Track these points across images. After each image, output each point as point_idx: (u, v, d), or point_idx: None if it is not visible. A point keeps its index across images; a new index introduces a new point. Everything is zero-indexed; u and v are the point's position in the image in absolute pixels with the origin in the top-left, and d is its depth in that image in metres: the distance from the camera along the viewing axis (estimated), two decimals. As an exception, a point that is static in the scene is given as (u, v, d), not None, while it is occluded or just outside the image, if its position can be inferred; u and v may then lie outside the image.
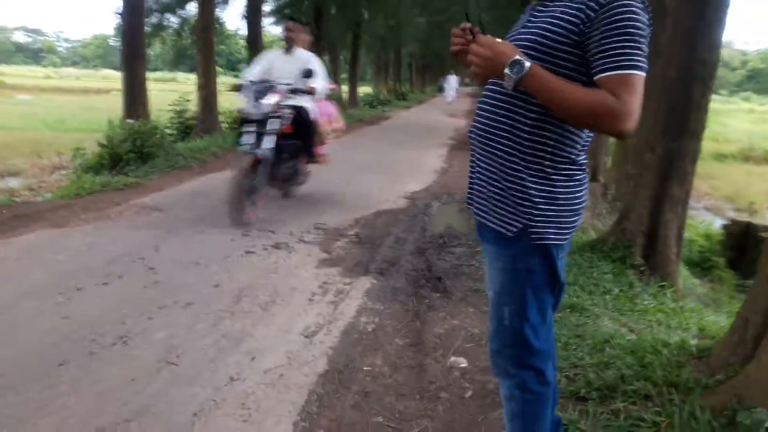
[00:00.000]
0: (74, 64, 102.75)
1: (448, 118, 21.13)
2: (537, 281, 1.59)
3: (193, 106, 11.69)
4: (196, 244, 4.48)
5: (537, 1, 1.58)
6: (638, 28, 1.34)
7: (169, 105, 11.44)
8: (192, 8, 13.98)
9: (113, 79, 70.80)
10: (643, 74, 1.34)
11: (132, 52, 8.83)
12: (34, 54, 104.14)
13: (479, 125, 1.65)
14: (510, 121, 1.54)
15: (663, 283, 3.85)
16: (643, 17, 1.36)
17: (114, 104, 31.06)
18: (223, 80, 14.25)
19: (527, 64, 1.37)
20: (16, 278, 3.57)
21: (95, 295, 3.37)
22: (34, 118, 22.96)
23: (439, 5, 30.75)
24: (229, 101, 12.55)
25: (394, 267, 4.22)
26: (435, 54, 44.97)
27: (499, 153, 1.56)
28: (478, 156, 1.66)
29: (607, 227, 5.19)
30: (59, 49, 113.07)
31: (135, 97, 8.84)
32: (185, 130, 11.15)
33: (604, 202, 5.96)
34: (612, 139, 11.43)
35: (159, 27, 13.48)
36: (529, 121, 1.50)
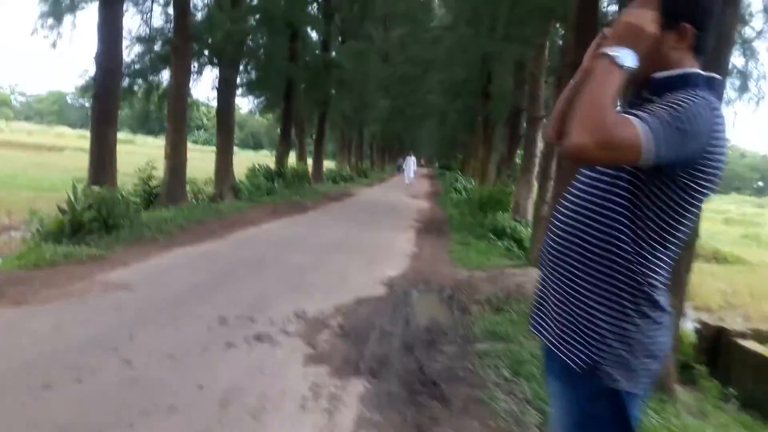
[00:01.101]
0: (28, 119, 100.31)
1: (410, 199, 21.36)
2: (605, 431, 1.43)
3: (159, 173, 11.41)
4: (171, 332, 4.15)
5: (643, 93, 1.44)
6: (683, 115, 1.23)
7: (136, 171, 11.13)
8: (165, 75, 13.95)
9: (68, 136, 69.32)
10: (645, 145, 1.20)
11: (104, 116, 8.61)
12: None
13: (552, 242, 1.53)
14: (584, 243, 1.42)
15: (663, 397, 3.76)
16: (701, 113, 1.25)
17: (68, 163, 30.32)
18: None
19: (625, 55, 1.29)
20: (-28, 370, 3.18)
21: (67, 394, 3.01)
22: (-18, 173, 21.98)
23: (401, 90, 32.15)
24: (201, 171, 12.37)
25: (385, 367, 3.99)
26: (395, 135, 46.31)
27: (571, 275, 1.44)
28: (549, 275, 1.53)
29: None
30: (13, 102, 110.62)
31: (103, 162, 8.54)
32: (150, 198, 10.80)
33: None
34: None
35: (129, 91, 13.31)
36: (605, 244, 1.38)
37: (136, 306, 4.74)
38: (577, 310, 1.42)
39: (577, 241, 1.44)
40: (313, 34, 20.50)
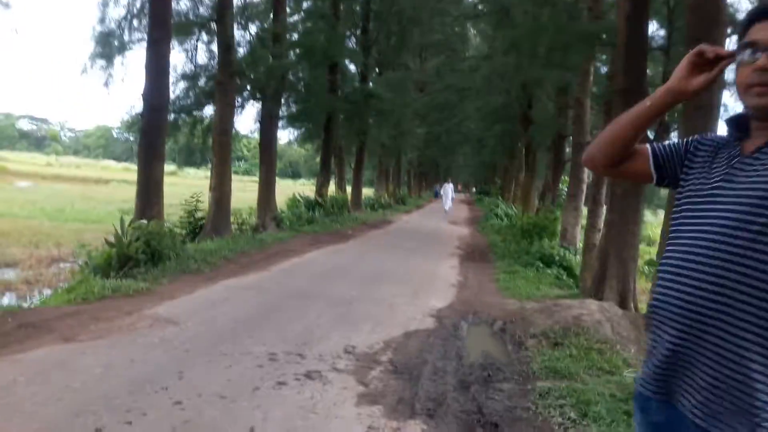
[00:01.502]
0: (76, 153, 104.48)
1: (450, 225, 21.13)
2: None
3: (203, 205, 11.54)
4: (221, 371, 4.05)
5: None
6: None
7: (181, 203, 11.28)
8: (208, 109, 14.24)
9: (113, 169, 71.76)
10: None
11: (151, 151, 8.76)
12: (37, 141, 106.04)
13: (685, 295, 1.26)
14: (743, 298, 1.17)
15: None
16: None
17: (112, 195, 31.18)
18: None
19: None
20: (28, 411, 3.12)
21: (118, 438, 2.91)
22: (34, 206, 22.76)
23: (437, 118, 32.22)
24: (242, 201, 12.48)
25: (441, 407, 3.79)
26: (431, 161, 46.27)
27: (728, 335, 1.19)
28: (689, 335, 1.26)
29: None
30: (63, 138, 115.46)
31: (150, 197, 8.65)
32: (195, 230, 10.90)
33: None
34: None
35: (174, 126, 13.60)
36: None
37: (185, 342, 4.67)
38: (736, 379, 1.19)
39: (734, 295, 1.20)
40: (351, 66, 20.73)
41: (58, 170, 57.33)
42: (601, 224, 10.08)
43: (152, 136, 8.67)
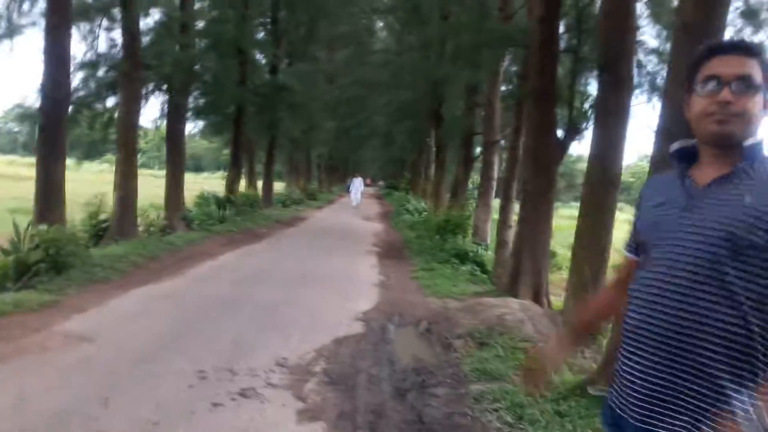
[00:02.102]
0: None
1: (363, 221, 21.20)
2: None
3: (106, 206, 10.84)
4: (150, 393, 3.82)
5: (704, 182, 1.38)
6: None
7: (81, 203, 10.53)
8: (108, 101, 13.35)
9: (-5, 162, 65.55)
10: None
11: (51, 149, 8.07)
12: None
13: (657, 317, 1.33)
14: (717, 322, 1.26)
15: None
16: None
17: (0, 193, 28.50)
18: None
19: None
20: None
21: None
22: None
23: (347, 111, 32.26)
24: (143, 198, 11.81)
25: (382, 419, 3.79)
26: (340, 155, 46.24)
27: (704, 359, 1.27)
28: (656, 358, 1.33)
29: (581, 363, 5.11)
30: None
31: (50, 199, 7.98)
32: (99, 233, 10.22)
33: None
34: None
35: (71, 119, 12.63)
36: (742, 321, 1.24)
37: (105, 362, 4.36)
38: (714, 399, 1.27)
39: (706, 321, 1.28)
40: (261, 58, 20.22)
41: (-74, 162, 51.68)
42: (512, 221, 10.55)
43: (52, 133, 7.99)
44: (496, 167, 12.24)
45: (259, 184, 22.79)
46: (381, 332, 6.01)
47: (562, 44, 8.71)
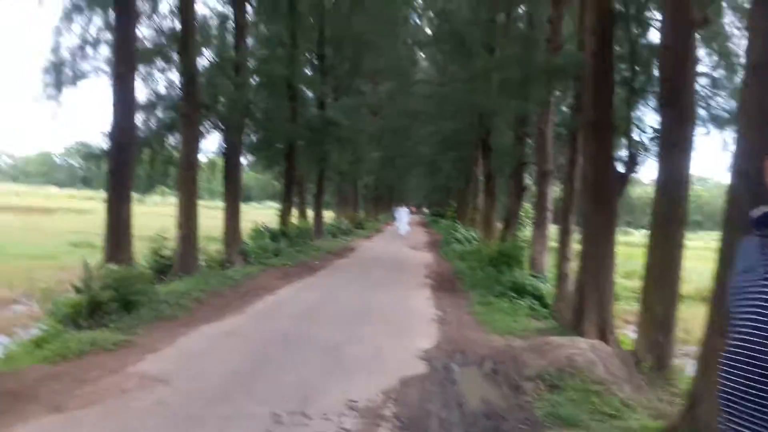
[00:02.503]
0: (15, 180, 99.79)
1: (411, 250, 21.18)
2: None
3: (169, 242, 11.19)
4: (229, 439, 3.86)
5: None
6: None
7: (145, 237, 10.88)
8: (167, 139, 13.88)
9: (57, 197, 68.86)
10: None
11: (119, 191, 8.41)
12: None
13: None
14: None
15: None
16: None
17: (59, 226, 29.81)
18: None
19: None
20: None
21: None
22: (-24, 241, 21.48)
23: (391, 141, 32.59)
24: (203, 231, 12.10)
25: (461, 467, 3.73)
26: (386, 184, 46.55)
27: None
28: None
29: (657, 405, 4.91)
30: (1, 165, 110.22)
31: (119, 240, 8.29)
32: (162, 269, 10.53)
33: (639, 374, 5.74)
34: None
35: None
36: None
37: (180, 405, 4.44)
38: None
39: None
40: (309, 93, 20.69)
41: (-3, 199, 54.62)
42: (571, 253, 10.33)
43: (120, 176, 8.34)
44: (550, 198, 12.06)
45: (309, 213, 23.15)
46: (445, 372, 5.93)
47: (616, 75, 8.59)
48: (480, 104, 15.21)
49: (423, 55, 36.36)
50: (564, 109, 15.17)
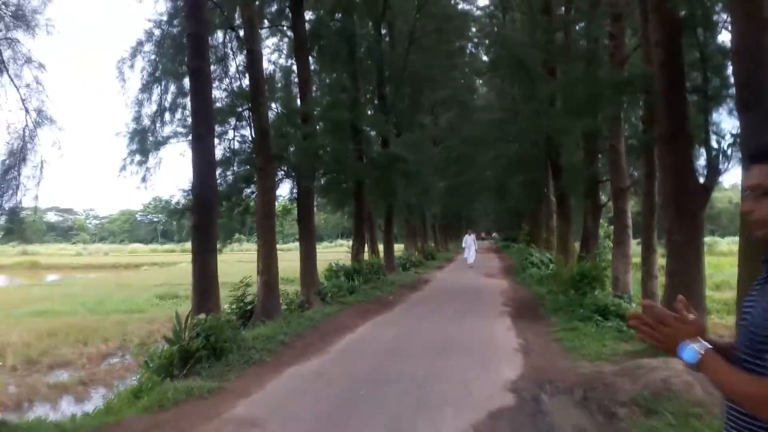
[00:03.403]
0: (102, 239, 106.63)
1: (486, 278, 20.94)
2: None
3: (251, 288, 11.65)
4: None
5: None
6: None
7: (228, 284, 11.38)
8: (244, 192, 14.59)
9: (141, 252, 72.95)
10: None
11: (205, 245, 8.87)
12: (64, 232, 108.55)
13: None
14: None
15: None
16: None
17: (145, 280, 31.50)
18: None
19: (700, 352, 1.38)
20: None
21: None
22: (73, 300, 23.06)
23: (456, 170, 32.59)
24: (284, 275, 12.51)
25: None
26: (453, 213, 46.40)
27: None
28: None
29: None
30: (88, 225, 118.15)
31: (207, 290, 8.71)
32: (245, 314, 10.94)
33: None
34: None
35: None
36: None
37: (277, 448, 4.60)
38: None
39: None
40: (372, 132, 21.18)
41: (87, 259, 58.55)
42: (656, 271, 9.96)
43: (204, 231, 8.81)
44: (629, 214, 11.71)
45: (380, 248, 23.40)
46: (535, 403, 5.82)
47: (688, 83, 8.36)
48: (545, 126, 15.07)
49: (481, 82, 36.56)
50: (635, 121, 14.83)
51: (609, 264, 14.02)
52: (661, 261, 9.90)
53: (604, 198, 17.17)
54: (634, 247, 14.61)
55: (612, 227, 16.67)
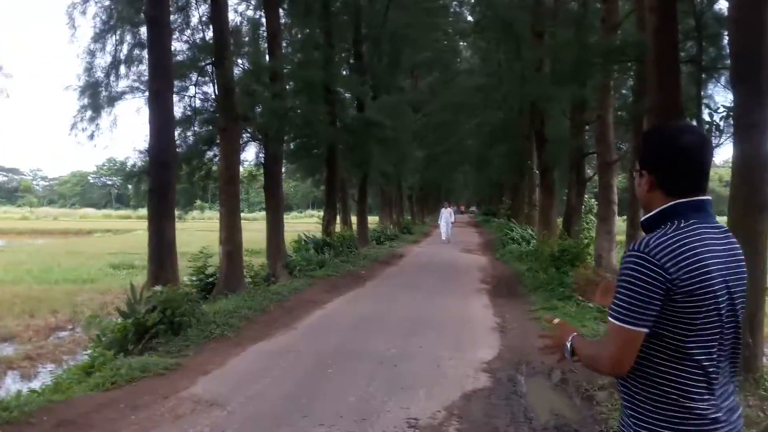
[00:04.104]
0: (51, 203, 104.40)
1: (464, 254, 21.13)
2: None
3: (212, 259, 11.54)
4: (289, 463, 3.98)
5: None
6: (626, 281, 1.61)
7: (187, 255, 11.26)
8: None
9: (93, 218, 71.73)
10: (625, 326, 1.59)
11: (162, 211, 8.73)
12: (9, 194, 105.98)
13: None
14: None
15: None
16: (640, 271, 1.59)
17: (98, 247, 30.99)
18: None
19: (568, 344, 1.83)
20: None
21: None
22: (19, 267, 22.58)
23: (435, 138, 32.61)
24: (244, 244, 12.38)
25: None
26: (431, 184, 46.55)
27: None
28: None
29: (747, 413, 4.80)
30: (36, 187, 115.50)
31: (163, 260, 8.60)
32: (207, 287, 10.87)
33: None
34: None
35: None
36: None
37: (238, 429, 4.60)
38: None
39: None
40: (347, 95, 20.94)
41: (35, 224, 57.29)
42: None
43: (163, 195, 8.66)
44: (615, 189, 11.83)
45: (353, 220, 23.39)
46: (511, 384, 5.92)
47: (682, 52, 8.39)
48: (531, 92, 15.08)
49: (465, 44, 36.37)
50: (625, 92, 14.89)
51: (592, 240, 14.23)
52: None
53: (589, 172, 17.33)
54: (620, 224, 14.83)
55: (595, 203, 16.91)
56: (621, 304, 1.60)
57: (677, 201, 1.68)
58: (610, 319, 1.62)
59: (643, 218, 1.77)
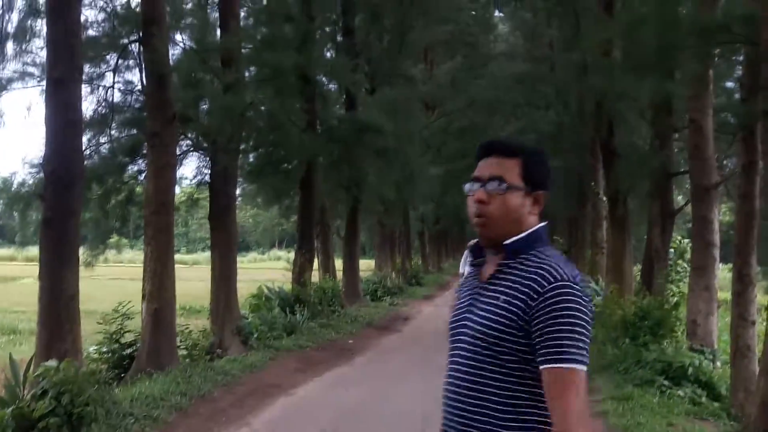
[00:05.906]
0: None
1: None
2: None
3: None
4: None
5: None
6: (579, 318, 1.93)
7: (98, 325, 11.18)
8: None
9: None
10: (582, 368, 1.91)
11: (58, 253, 8.61)
12: None
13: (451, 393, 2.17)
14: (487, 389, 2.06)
15: None
16: (586, 305, 1.97)
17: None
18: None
19: None
20: None
21: None
22: None
23: (457, 149, 32.57)
24: (178, 297, 12.30)
25: None
26: (452, 215, 46.54)
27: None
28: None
29: None
30: None
31: (59, 325, 8.47)
32: (122, 362, 10.76)
33: None
34: None
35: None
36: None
37: None
38: None
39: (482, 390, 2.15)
40: (331, 86, 21.11)
41: None
42: (754, 313, 10.04)
43: (61, 228, 8.55)
44: (717, 226, 11.80)
45: (338, 264, 23.42)
46: None
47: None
48: (596, 86, 15.13)
49: (502, 16, 36.83)
50: (730, 85, 14.91)
51: (683, 299, 14.14)
52: (762, 299, 9.90)
53: (679, 200, 17.24)
54: (723, 275, 14.70)
55: (689, 244, 16.84)
56: (582, 345, 1.93)
57: (543, 223, 2.16)
58: (573, 366, 1.90)
59: (513, 239, 2.09)
